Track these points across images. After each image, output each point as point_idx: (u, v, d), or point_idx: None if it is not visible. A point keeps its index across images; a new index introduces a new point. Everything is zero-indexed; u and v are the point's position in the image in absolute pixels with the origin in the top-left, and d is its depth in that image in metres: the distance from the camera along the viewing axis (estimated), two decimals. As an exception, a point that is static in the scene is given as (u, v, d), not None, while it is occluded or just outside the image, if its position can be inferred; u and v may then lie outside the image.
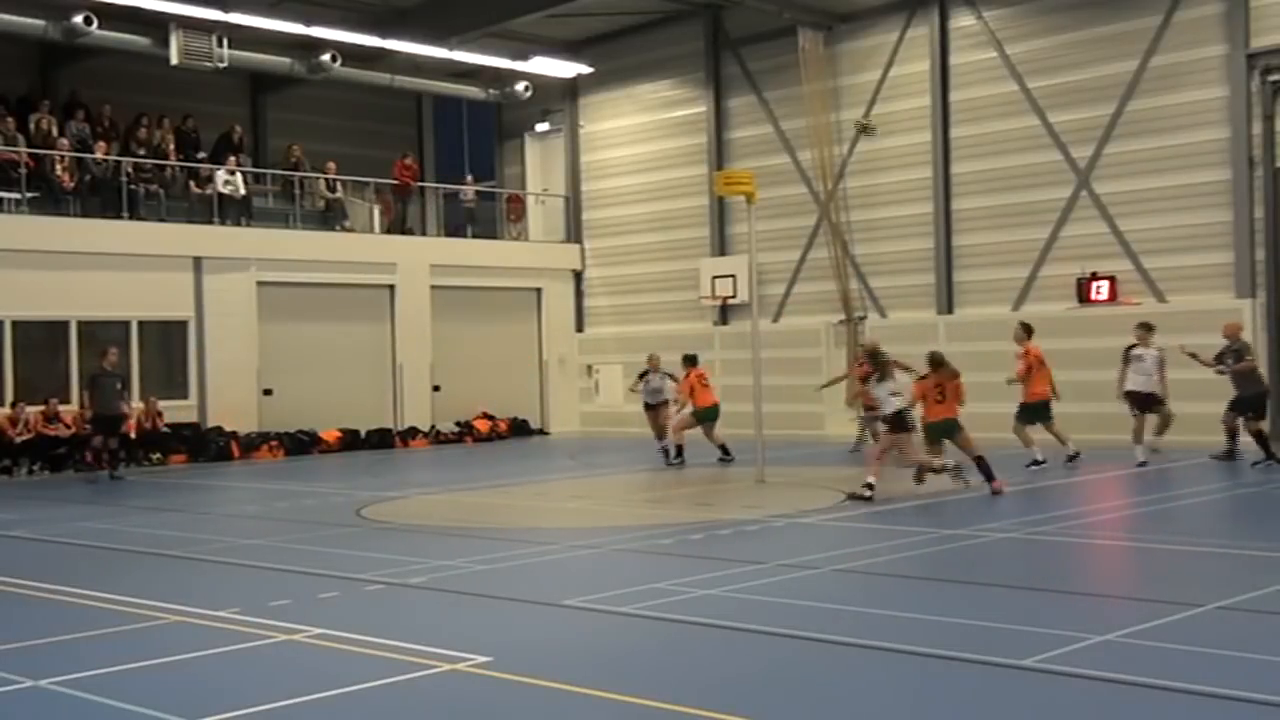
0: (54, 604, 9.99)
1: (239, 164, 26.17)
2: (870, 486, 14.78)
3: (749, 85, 27.19)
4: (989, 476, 15.08)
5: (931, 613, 8.62)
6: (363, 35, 25.76)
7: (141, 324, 23.88)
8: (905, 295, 25.14)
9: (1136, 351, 18.07)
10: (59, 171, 23.79)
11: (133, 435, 22.36)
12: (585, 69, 28.92)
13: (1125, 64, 22.23)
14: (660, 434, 20.72)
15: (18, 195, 22.87)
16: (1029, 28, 23.47)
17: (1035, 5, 23.37)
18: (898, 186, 25.13)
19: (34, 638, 8.61)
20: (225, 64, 24.79)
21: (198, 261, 24.52)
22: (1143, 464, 17.78)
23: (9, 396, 22.15)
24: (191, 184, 25.58)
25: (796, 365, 25.58)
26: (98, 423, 20.79)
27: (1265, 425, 17.99)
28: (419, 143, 32.26)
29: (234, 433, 24.40)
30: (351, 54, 26.75)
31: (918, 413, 15.57)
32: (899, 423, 15.30)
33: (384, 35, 25.88)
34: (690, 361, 20.42)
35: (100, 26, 23.50)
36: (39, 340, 23.05)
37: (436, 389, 27.71)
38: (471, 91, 29.99)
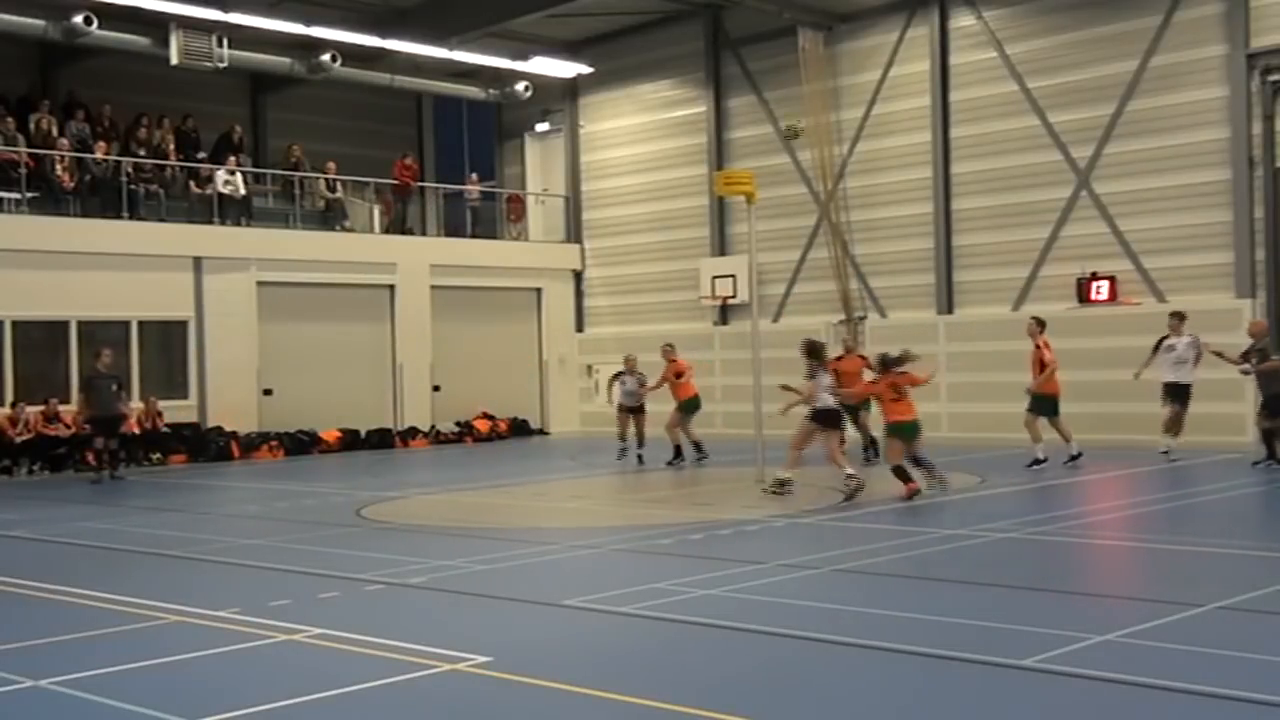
0: (54, 604, 9.99)
1: (239, 164, 26.18)
2: (787, 482, 14.93)
3: (749, 85, 27.19)
4: (905, 479, 14.78)
5: (931, 613, 8.61)
6: (363, 35, 25.75)
7: (141, 324, 23.89)
8: (905, 295, 25.13)
9: (1169, 341, 18.31)
10: (59, 171, 23.79)
11: (136, 433, 22.33)
12: (585, 69, 28.91)
13: (1125, 64, 22.22)
14: (625, 437, 20.59)
15: (18, 195, 22.87)
16: (1029, 28, 23.47)
17: (1035, 5, 23.37)
18: (898, 186, 25.13)
19: (34, 638, 8.61)
20: (225, 64, 24.79)
21: (198, 261, 24.52)
22: (1165, 452, 18.11)
23: (9, 396, 22.15)
24: (191, 184, 25.58)
25: (797, 365, 25.45)
26: (96, 424, 20.76)
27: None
28: (419, 143, 32.26)
29: (234, 433, 24.40)
30: (351, 54, 26.75)
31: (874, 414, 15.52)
32: (826, 418, 15.23)
33: (384, 35, 25.88)
34: (669, 352, 20.42)
35: (100, 26, 23.50)
36: (39, 340, 23.05)
37: (436, 389, 27.71)
38: (471, 91, 29.99)
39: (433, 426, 27.42)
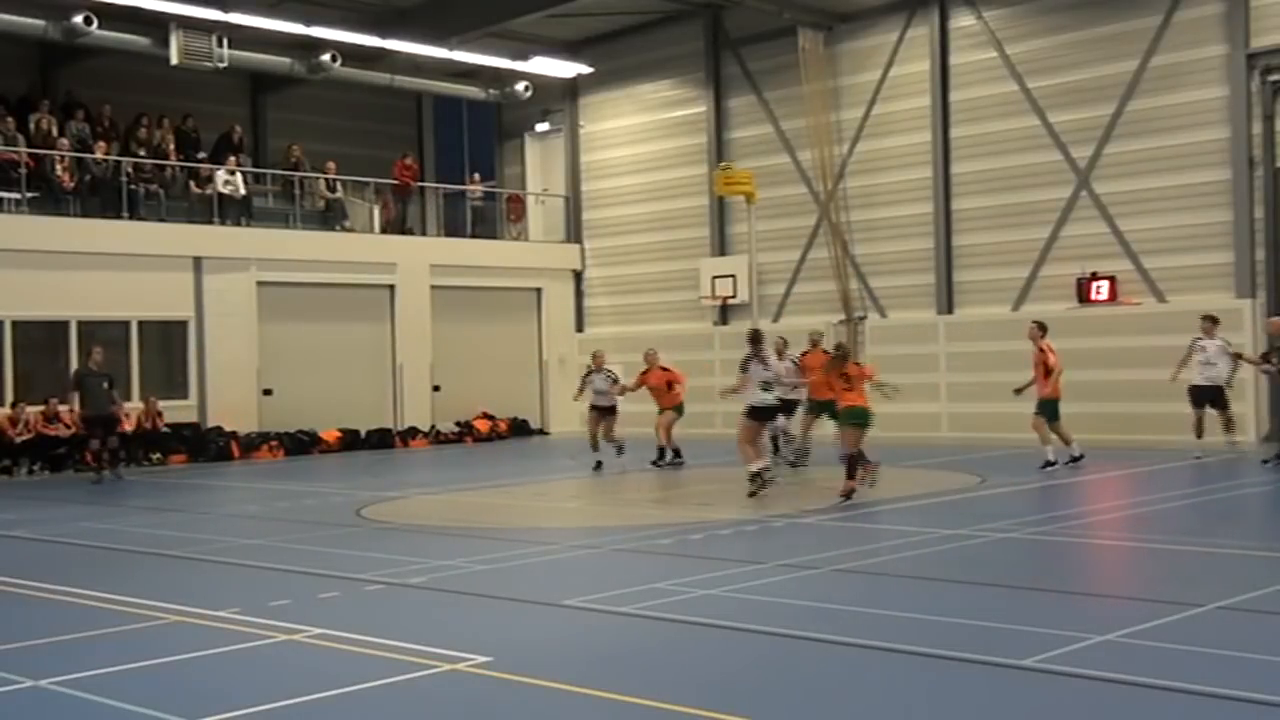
0: (54, 604, 9.99)
1: (239, 164, 26.18)
2: (759, 474, 15.12)
3: (749, 85, 27.20)
4: (849, 474, 14.83)
5: (931, 613, 8.61)
6: (363, 35, 25.76)
7: (141, 324, 23.90)
8: (905, 295, 25.14)
9: (1201, 343, 18.39)
10: (59, 171, 23.79)
11: (127, 431, 22.17)
12: (585, 69, 28.92)
13: (1125, 64, 22.23)
14: (597, 444, 19.64)
15: (18, 195, 22.88)
16: (1029, 28, 23.47)
17: (1035, 5, 23.37)
18: (898, 186, 25.14)
19: (34, 638, 8.61)
20: (225, 64, 24.79)
21: (198, 261, 24.53)
22: (1199, 458, 18.16)
23: (9, 396, 22.16)
24: (191, 184, 25.59)
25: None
26: (89, 423, 20.70)
27: None
28: (419, 143, 32.26)
29: (234, 433, 24.40)
30: (351, 54, 26.75)
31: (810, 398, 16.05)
32: (757, 414, 15.61)
33: (384, 35, 25.88)
34: (654, 357, 20.05)
35: (100, 26, 23.50)
36: (39, 340, 23.06)
37: (436, 389, 27.72)
38: (471, 91, 30.00)
39: (433, 426, 27.42)
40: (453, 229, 29.97)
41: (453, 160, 32.28)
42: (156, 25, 24.01)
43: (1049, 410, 17.85)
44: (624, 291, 29.56)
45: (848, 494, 14.65)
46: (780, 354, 18.22)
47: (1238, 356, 18.18)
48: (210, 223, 25.10)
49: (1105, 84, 22.46)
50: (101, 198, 24.07)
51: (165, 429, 23.49)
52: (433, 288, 27.79)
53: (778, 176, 26.19)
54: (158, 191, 24.98)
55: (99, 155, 24.43)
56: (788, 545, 11.91)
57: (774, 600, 9.24)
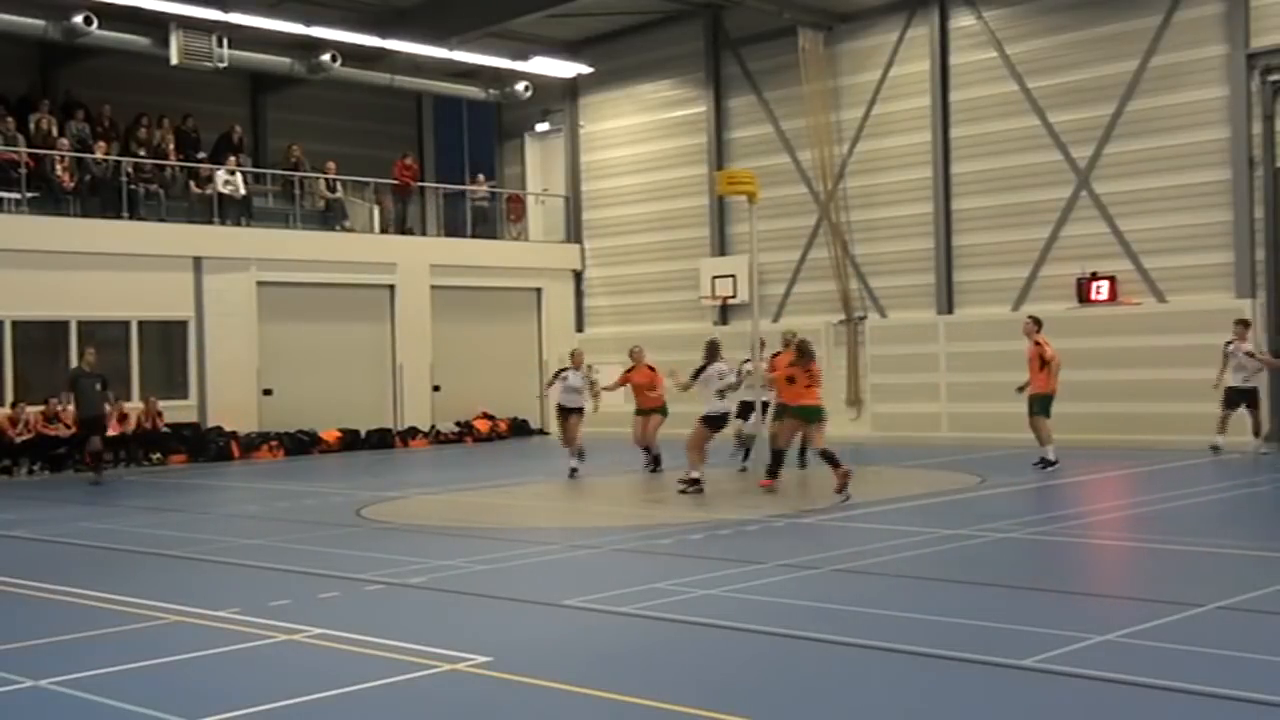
0: (54, 604, 9.99)
1: (239, 164, 26.18)
2: (697, 480, 15.71)
3: (749, 85, 27.19)
4: (834, 464, 15.13)
5: (931, 613, 8.61)
6: (363, 35, 25.75)
7: (141, 324, 23.90)
8: (905, 295, 25.13)
9: (1231, 348, 18.66)
10: (59, 171, 23.79)
11: (111, 434, 21.91)
12: (585, 69, 28.91)
13: (1125, 64, 22.22)
14: (571, 443, 18.84)
15: (18, 195, 22.88)
16: (1029, 28, 23.46)
17: (1035, 5, 23.36)
18: (898, 186, 25.13)
19: (34, 638, 8.61)
20: (225, 64, 24.78)
21: (198, 261, 24.53)
22: (1216, 448, 18.48)
23: (9, 396, 22.15)
24: (191, 184, 25.58)
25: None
26: (82, 424, 20.63)
27: None
28: (419, 143, 32.26)
29: (234, 433, 24.40)
30: (351, 54, 26.74)
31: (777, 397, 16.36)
32: (712, 422, 16.27)
33: (384, 35, 25.88)
34: (639, 355, 19.20)
35: (100, 26, 23.49)
36: (39, 340, 23.06)
37: (436, 389, 27.72)
38: (471, 91, 29.99)
39: (433, 426, 27.42)
40: (453, 229, 29.96)
41: (453, 160, 32.28)
42: (156, 25, 24.01)
43: (1043, 406, 17.84)
44: (624, 291, 29.56)
45: (843, 483, 14.94)
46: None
47: (1250, 355, 18.32)
48: (210, 223, 25.10)
49: (1105, 84, 22.45)
50: (101, 198, 24.07)
51: (165, 429, 23.48)
52: (433, 288, 27.78)
53: (778, 176, 26.17)
54: (158, 191, 24.98)
55: (99, 155, 24.43)
56: (788, 545, 11.91)
57: (774, 600, 9.24)
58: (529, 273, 29.68)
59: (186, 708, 6.69)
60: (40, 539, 13.86)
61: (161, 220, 24.63)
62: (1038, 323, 18.28)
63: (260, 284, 25.24)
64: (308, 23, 24.98)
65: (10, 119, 23.76)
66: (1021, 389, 18.14)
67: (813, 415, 15.65)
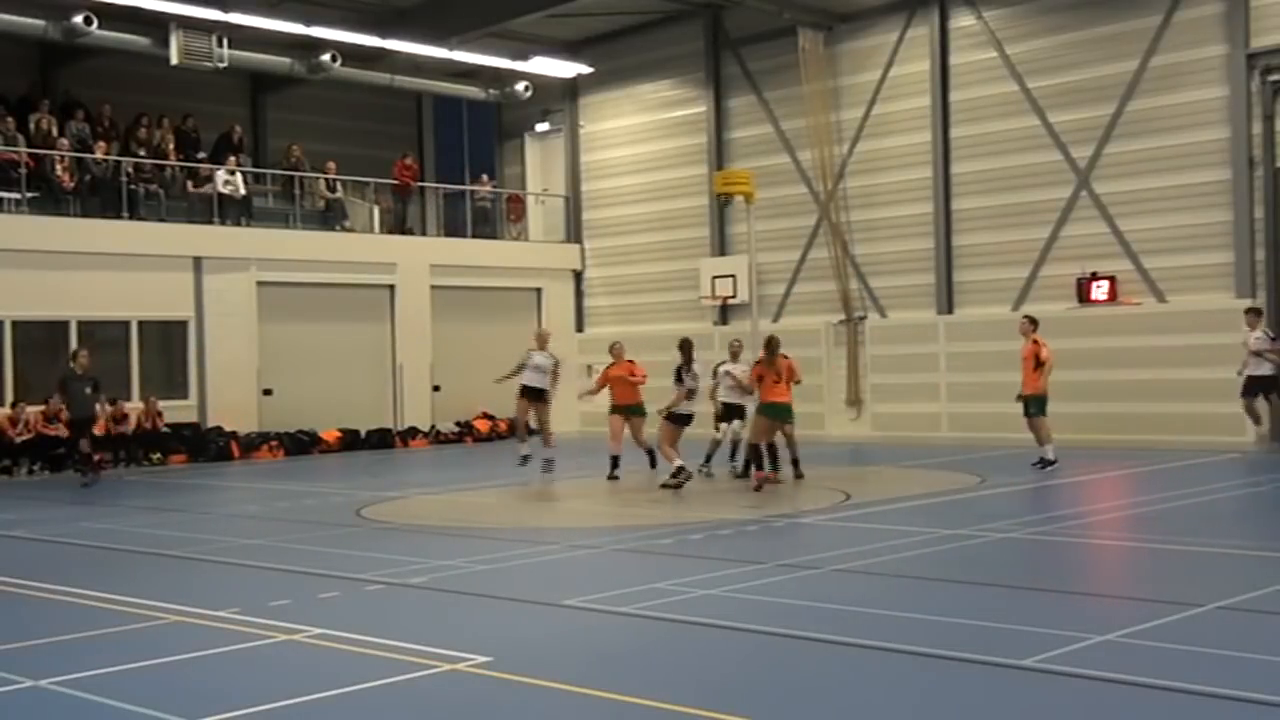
0: (54, 604, 9.99)
1: (239, 164, 26.17)
2: (680, 470, 16.11)
3: (749, 85, 27.19)
4: (758, 466, 15.79)
5: (931, 613, 8.61)
6: (363, 35, 25.75)
7: (141, 324, 23.89)
8: (905, 295, 25.13)
9: (1245, 337, 18.47)
10: (59, 171, 23.79)
11: (100, 434, 21.56)
12: (585, 69, 28.91)
13: (1125, 64, 22.22)
14: (526, 430, 18.15)
15: (18, 195, 22.87)
16: (1029, 28, 23.46)
17: (1035, 5, 23.36)
18: (898, 186, 25.13)
19: (34, 638, 8.61)
20: (225, 64, 24.78)
21: (198, 261, 24.52)
22: (1258, 425, 18.57)
23: (9, 396, 22.14)
24: (191, 184, 25.58)
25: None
26: (74, 426, 20.54)
27: None
28: (419, 143, 32.25)
29: (234, 433, 24.39)
30: (351, 54, 26.74)
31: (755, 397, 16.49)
32: (676, 419, 16.63)
33: (384, 35, 25.88)
34: (620, 350, 18.48)
35: (100, 26, 23.49)
36: (39, 340, 23.05)
37: (436, 389, 27.71)
38: (471, 91, 29.99)
39: (433, 426, 27.42)
40: (453, 229, 29.95)
41: (453, 160, 32.28)
42: (156, 25, 24.01)
43: (1039, 406, 17.83)
44: (624, 291, 29.56)
45: (759, 485, 15.47)
46: (735, 356, 18.22)
47: (1258, 355, 18.21)
48: (210, 223, 25.10)
49: (1105, 84, 22.45)
50: (101, 198, 24.06)
51: (165, 429, 23.48)
52: (433, 288, 27.78)
53: (778, 176, 26.18)
54: (158, 191, 24.98)
55: (99, 155, 24.43)
56: (788, 545, 11.92)
57: (774, 600, 9.24)
58: (529, 273, 29.68)
59: (186, 708, 6.70)
60: (40, 539, 13.86)
61: (161, 220, 24.62)
62: (1034, 322, 18.26)
63: (260, 284, 25.23)
64: (308, 23, 24.98)
65: (10, 119, 23.75)
66: (1020, 397, 18.12)
67: (779, 413, 15.72)
